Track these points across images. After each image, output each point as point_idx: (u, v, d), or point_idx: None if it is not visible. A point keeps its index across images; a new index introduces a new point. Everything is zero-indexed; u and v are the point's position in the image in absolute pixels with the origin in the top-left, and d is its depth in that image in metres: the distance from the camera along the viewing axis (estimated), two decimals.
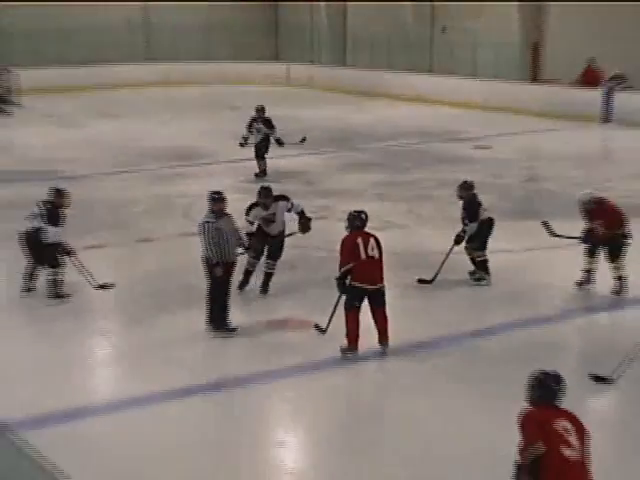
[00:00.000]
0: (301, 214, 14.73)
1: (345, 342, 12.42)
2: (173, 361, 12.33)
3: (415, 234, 18.49)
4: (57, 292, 14.37)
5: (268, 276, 14.79)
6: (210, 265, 13.06)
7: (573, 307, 14.54)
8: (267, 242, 14.61)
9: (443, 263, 14.99)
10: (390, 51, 39.31)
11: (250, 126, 23.15)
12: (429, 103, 35.23)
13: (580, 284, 14.85)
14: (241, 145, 23.46)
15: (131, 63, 42.53)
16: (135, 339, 13.12)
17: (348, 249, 12.16)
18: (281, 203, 14.54)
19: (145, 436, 10.60)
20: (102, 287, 14.64)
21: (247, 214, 14.45)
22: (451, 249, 15.01)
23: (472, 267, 15.32)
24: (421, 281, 15.11)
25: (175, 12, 43.17)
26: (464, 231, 14.98)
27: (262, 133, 22.87)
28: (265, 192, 14.50)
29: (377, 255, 12.23)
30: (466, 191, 15.15)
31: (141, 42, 44.12)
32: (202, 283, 13.27)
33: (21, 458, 6.53)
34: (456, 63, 37.06)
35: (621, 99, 30.76)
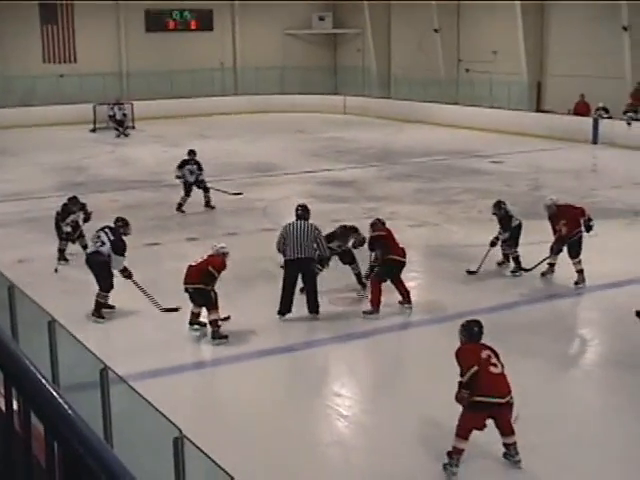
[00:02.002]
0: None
1: (368, 307, 12.72)
2: (256, 328, 12.35)
3: (444, 230, 18.36)
4: (100, 313, 12.75)
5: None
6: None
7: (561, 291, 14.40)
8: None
9: (484, 258, 14.72)
10: (425, 87, 39.07)
11: (182, 167, 20.30)
12: (455, 128, 34.96)
13: (544, 274, 14.50)
14: (177, 177, 20.43)
15: (223, 96, 42.73)
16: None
17: None
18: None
19: (234, 386, 10.66)
20: (167, 310, 12.91)
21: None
22: (488, 250, 14.74)
23: (501, 259, 15.15)
24: (469, 272, 14.76)
25: (257, 56, 43.23)
26: (497, 238, 14.80)
27: (195, 174, 20.19)
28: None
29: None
30: (499, 209, 14.95)
31: (231, 79, 44.25)
32: (277, 269, 13.21)
33: (136, 403, 6.55)
34: (476, 97, 36.76)
35: (605, 126, 30.50)
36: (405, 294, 12.94)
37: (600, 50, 32.30)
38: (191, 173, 20.21)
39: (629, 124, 29.82)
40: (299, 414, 9.77)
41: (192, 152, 20.68)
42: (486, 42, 37.17)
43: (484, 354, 8.04)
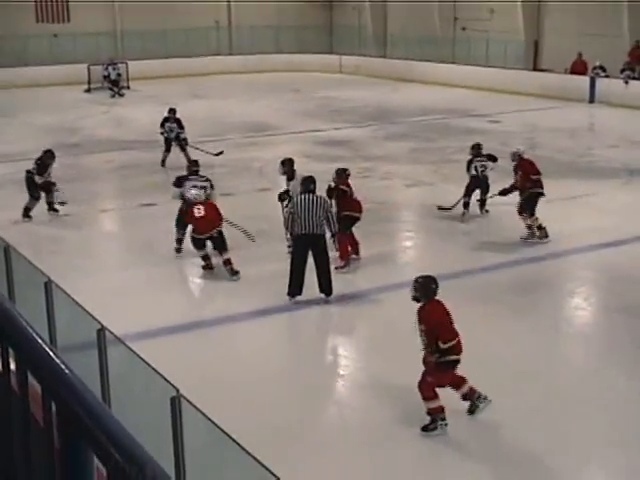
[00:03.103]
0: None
1: (340, 263, 12.81)
2: (251, 288, 12.35)
3: (440, 189, 18.31)
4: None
5: None
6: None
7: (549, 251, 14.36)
8: None
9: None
10: (421, 46, 38.93)
11: (163, 125, 20.84)
12: (451, 87, 34.86)
13: (526, 238, 14.28)
14: (161, 134, 20.90)
15: (217, 55, 42.52)
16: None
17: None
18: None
19: (231, 346, 10.67)
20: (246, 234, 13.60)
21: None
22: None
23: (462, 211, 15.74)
24: (440, 208, 15.55)
25: (252, 15, 42.95)
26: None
27: (175, 132, 20.62)
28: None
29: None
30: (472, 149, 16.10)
31: (226, 38, 44.02)
32: (274, 228, 13.16)
33: (133, 363, 6.55)
34: (473, 55, 36.67)
35: (602, 85, 30.41)
36: (354, 247, 13.22)
37: (598, 8, 32.13)
38: (171, 130, 20.68)
39: (626, 83, 29.73)
40: (296, 373, 9.81)
41: (172, 110, 21.03)
42: (483, 0, 36.93)
43: (445, 312, 8.16)
